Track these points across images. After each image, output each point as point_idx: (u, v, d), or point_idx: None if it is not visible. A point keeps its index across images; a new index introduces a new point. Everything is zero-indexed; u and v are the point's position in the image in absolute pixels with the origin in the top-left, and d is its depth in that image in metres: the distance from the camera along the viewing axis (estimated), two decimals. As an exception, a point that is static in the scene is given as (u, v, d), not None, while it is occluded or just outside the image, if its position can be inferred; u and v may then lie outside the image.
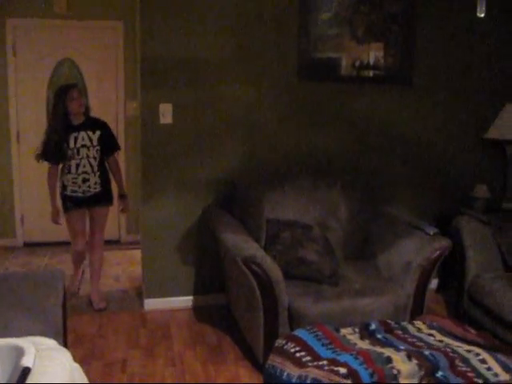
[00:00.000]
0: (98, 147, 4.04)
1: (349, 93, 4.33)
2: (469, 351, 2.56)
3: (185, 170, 4.10)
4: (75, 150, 3.98)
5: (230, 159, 4.15)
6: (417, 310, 3.49)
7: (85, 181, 4.04)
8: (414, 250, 3.51)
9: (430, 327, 2.85)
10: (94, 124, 4.07)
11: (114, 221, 5.65)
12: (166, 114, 4.00)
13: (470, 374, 2.39)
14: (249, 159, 4.19)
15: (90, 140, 4.01)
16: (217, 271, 4.13)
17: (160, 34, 3.92)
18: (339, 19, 4.20)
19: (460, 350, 2.56)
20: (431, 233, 3.58)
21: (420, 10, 4.34)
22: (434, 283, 4.62)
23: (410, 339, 2.71)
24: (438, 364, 2.41)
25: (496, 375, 2.40)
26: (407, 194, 4.57)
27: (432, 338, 2.73)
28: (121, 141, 5.64)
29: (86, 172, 4.03)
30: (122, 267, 5.19)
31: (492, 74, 4.60)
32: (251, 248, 3.21)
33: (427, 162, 4.59)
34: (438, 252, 3.46)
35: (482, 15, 1.98)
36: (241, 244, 3.26)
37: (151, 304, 4.19)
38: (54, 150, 3.95)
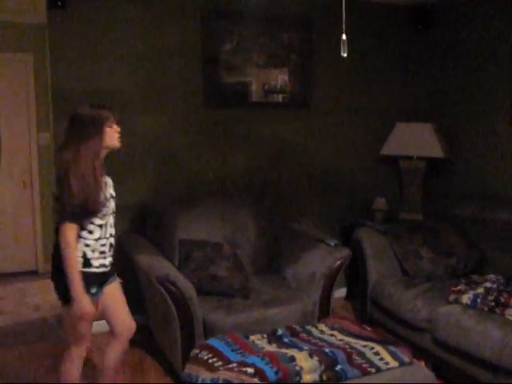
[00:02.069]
0: None
1: (256, 116, 4.63)
2: (365, 346, 2.86)
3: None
4: (106, 203, 2.81)
5: (143, 185, 4.33)
6: (323, 315, 3.76)
7: (111, 248, 2.88)
8: (318, 261, 3.80)
9: (332, 328, 3.13)
10: None
11: (31, 250, 5.67)
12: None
13: (365, 365, 2.69)
14: (162, 184, 4.38)
15: (114, 188, 2.97)
16: (136, 293, 4.26)
17: (70, 65, 4.05)
18: (242, 49, 4.50)
19: (357, 346, 2.85)
20: (333, 244, 3.88)
21: (316, 38, 4.73)
22: (342, 291, 4.96)
23: (313, 340, 2.97)
24: (337, 359, 2.68)
25: (387, 364, 2.72)
26: (313, 209, 4.89)
27: (333, 338, 3.01)
28: (34, 170, 5.71)
29: (112, 235, 2.87)
30: (40, 296, 5.18)
31: (384, 96, 5.03)
32: (165, 267, 3.39)
33: (330, 178, 4.93)
34: (339, 261, 3.76)
35: (345, 55, 2.26)
36: (155, 264, 3.43)
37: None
38: (88, 203, 2.66)
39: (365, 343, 2.90)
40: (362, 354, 2.77)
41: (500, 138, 4.46)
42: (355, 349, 2.82)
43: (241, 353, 2.78)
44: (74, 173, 2.62)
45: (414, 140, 4.71)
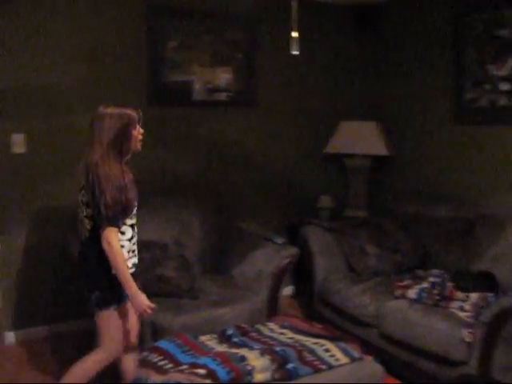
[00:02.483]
0: None
1: (200, 115, 4.57)
2: (315, 343, 2.87)
3: (42, 200, 4.09)
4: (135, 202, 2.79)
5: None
6: (271, 313, 3.75)
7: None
8: (266, 260, 3.80)
9: (282, 327, 3.13)
10: None
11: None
12: (18, 143, 3.98)
13: (316, 363, 2.70)
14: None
15: None
16: (78, 296, 4.15)
17: (10, 62, 3.89)
18: (186, 47, 4.44)
19: (307, 344, 2.86)
20: (280, 243, 3.89)
21: (260, 37, 4.72)
22: (289, 289, 4.98)
23: (263, 339, 2.96)
24: (288, 357, 2.68)
25: (338, 360, 2.74)
26: (259, 208, 4.88)
27: (283, 336, 3.01)
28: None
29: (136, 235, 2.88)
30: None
31: (330, 95, 5.08)
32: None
33: (276, 177, 4.94)
34: (286, 260, 3.76)
35: (296, 53, 2.25)
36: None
37: (10, 337, 4.11)
38: (123, 204, 2.65)
39: (315, 340, 2.91)
40: (312, 352, 2.78)
41: (442, 136, 4.57)
42: (306, 346, 2.82)
43: (191, 354, 2.75)
44: (106, 177, 2.59)
45: (358, 138, 4.76)
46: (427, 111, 4.68)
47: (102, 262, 2.65)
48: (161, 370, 2.63)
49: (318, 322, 3.49)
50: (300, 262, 4.12)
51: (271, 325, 3.17)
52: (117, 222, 2.62)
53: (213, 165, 4.67)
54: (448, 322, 3.16)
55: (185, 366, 2.59)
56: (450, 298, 3.40)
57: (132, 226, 2.77)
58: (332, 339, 2.92)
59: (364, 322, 3.68)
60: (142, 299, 2.65)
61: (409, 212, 4.37)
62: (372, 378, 2.77)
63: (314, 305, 4.23)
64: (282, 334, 3.05)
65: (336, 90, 5.12)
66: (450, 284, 3.54)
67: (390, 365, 3.50)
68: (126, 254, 2.70)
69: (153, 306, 2.67)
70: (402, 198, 4.59)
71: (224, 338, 2.99)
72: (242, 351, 2.73)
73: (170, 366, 2.65)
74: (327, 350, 2.79)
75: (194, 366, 2.57)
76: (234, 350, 2.76)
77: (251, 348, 2.80)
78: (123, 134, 2.70)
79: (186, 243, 4.14)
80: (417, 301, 3.46)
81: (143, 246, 3.73)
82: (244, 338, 2.98)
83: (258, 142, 4.84)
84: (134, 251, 2.80)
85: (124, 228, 2.71)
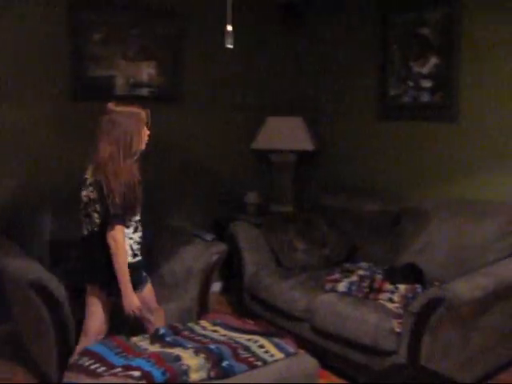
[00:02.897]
0: None
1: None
2: (249, 340, 2.85)
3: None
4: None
5: (6, 184, 4.03)
6: (202, 311, 3.72)
7: None
8: (194, 257, 3.75)
9: (214, 324, 3.09)
10: None
11: None
12: None
13: (251, 359, 2.67)
14: (27, 181, 4.11)
15: None
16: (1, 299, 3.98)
17: None
18: (111, 40, 4.32)
19: (241, 340, 2.84)
20: (209, 239, 3.85)
21: (187, 31, 4.65)
22: (217, 286, 4.94)
23: (196, 337, 2.91)
24: (223, 355, 2.65)
25: (273, 356, 2.73)
26: (186, 205, 4.82)
27: (216, 334, 2.97)
28: None
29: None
30: None
31: (258, 91, 5.07)
32: (36, 270, 3.17)
33: (203, 173, 4.89)
34: (216, 256, 3.73)
35: (230, 46, 2.23)
36: (24, 267, 3.21)
37: None
38: (131, 203, 2.77)
39: (249, 337, 2.89)
40: (247, 348, 2.75)
41: (367, 131, 4.66)
42: (240, 343, 2.80)
43: (124, 356, 2.66)
44: (115, 175, 2.67)
45: (285, 133, 4.78)
46: (353, 106, 4.77)
47: (106, 256, 2.76)
48: (93, 374, 2.53)
49: (249, 317, 3.48)
50: (228, 259, 4.10)
51: (203, 322, 3.13)
52: (123, 220, 2.74)
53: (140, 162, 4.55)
54: (377, 314, 3.23)
55: (118, 369, 2.50)
56: (380, 290, 3.47)
57: (137, 220, 2.91)
58: (265, 335, 2.90)
59: (295, 317, 3.69)
60: (133, 300, 2.81)
61: (335, 206, 4.43)
62: (307, 372, 2.78)
63: (244, 301, 4.22)
64: (214, 331, 3.01)
65: (264, 85, 5.12)
66: (378, 276, 3.61)
67: (322, 358, 3.55)
68: (135, 246, 2.90)
69: (140, 309, 2.87)
70: (329, 193, 4.66)
71: (156, 338, 2.91)
72: (176, 351, 2.67)
73: (103, 369, 2.55)
74: (261, 346, 2.78)
75: (128, 368, 2.49)
76: (167, 350, 2.70)
77: (185, 347, 2.74)
78: (135, 133, 2.79)
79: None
80: (347, 294, 3.52)
81: (69, 245, 3.61)
82: (177, 337, 2.92)
83: (183, 139, 4.76)
84: (140, 243, 2.94)
85: (131, 222, 2.85)
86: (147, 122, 2.86)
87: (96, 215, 2.80)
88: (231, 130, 5.00)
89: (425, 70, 4.19)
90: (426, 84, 4.19)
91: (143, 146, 2.89)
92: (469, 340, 3.18)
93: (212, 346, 2.71)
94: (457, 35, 3.94)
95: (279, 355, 2.74)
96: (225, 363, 2.61)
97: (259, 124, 4.93)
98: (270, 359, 2.70)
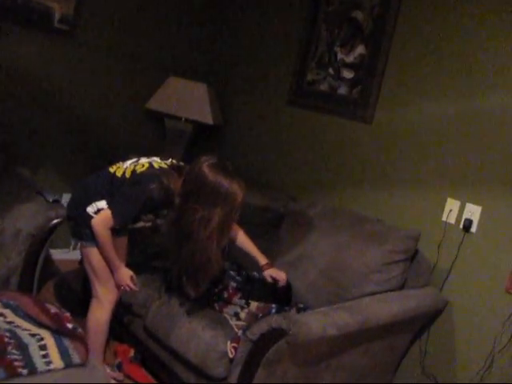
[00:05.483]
0: None
1: None
2: (34, 335, 2.23)
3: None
4: None
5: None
6: (24, 284, 3.08)
7: None
8: (27, 217, 3.10)
9: (5, 306, 2.44)
10: None
11: None
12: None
13: (16, 363, 2.04)
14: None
15: None
16: None
17: None
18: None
19: (23, 334, 2.21)
20: (50, 200, 3.20)
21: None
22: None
23: (-29, 320, 2.28)
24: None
25: (49, 363, 2.10)
26: (59, 158, 4.15)
27: (1, 319, 2.34)
28: None
29: None
30: None
31: (164, 45, 4.41)
32: None
33: (85, 124, 4.21)
34: (52, 221, 3.07)
35: None
36: None
37: None
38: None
39: (37, 331, 2.27)
40: (23, 347, 2.12)
41: (273, 116, 4.08)
42: (18, 338, 2.16)
43: None
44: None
45: (185, 99, 4.14)
46: (266, 85, 4.16)
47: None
48: None
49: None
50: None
51: (-6, 301, 2.49)
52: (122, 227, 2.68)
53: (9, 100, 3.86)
54: (214, 331, 2.65)
55: None
56: (228, 302, 2.89)
57: None
58: (57, 333, 2.29)
59: (132, 311, 3.10)
60: (124, 274, 2.69)
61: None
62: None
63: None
64: (1, 314, 2.38)
65: (172, 40, 4.45)
66: (233, 284, 3.02)
67: (152, 365, 3.01)
68: None
69: (133, 286, 2.70)
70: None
71: None
72: None
73: None
74: (43, 348, 2.15)
75: None
76: None
77: None
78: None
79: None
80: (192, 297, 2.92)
81: None
82: None
83: (71, 81, 4.08)
84: None
85: None
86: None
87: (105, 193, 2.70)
88: (128, 83, 4.32)
89: (349, 59, 3.62)
90: (348, 75, 3.62)
91: None
92: (317, 379, 2.65)
93: (-26, 337, 2.08)
94: (390, 22, 3.38)
95: (57, 363, 2.10)
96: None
97: (160, 83, 4.28)
98: (42, 367, 2.06)
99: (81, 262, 3.17)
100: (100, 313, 2.80)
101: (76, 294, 3.74)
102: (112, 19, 4.14)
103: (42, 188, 3.42)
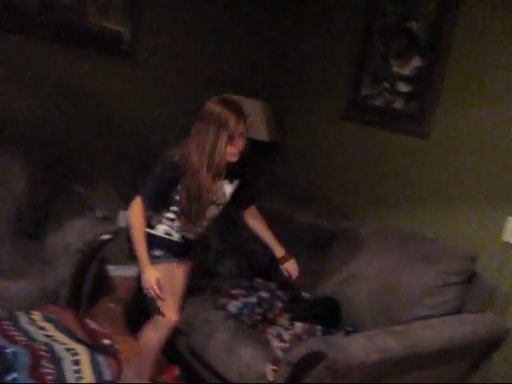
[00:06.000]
0: None
1: (50, 52, 3.80)
2: (69, 350, 2.22)
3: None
4: None
5: None
6: (73, 299, 3.11)
7: None
8: (78, 232, 3.14)
9: (46, 319, 2.46)
10: None
11: None
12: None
13: (48, 377, 2.04)
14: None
15: None
16: None
17: None
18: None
19: (60, 348, 2.21)
20: (99, 216, 3.23)
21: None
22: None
23: (12, 332, 2.29)
24: (15, 364, 2.03)
25: (80, 378, 2.09)
26: (110, 174, 4.20)
27: (41, 332, 2.35)
28: None
29: None
30: None
31: (219, 61, 4.41)
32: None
33: (138, 142, 4.24)
34: (102, 237, 3.09)
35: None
36: None
37: None
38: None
39: (73, 346, 2.26)
40: (56, 361, 2.13)
41: (327, 131, 3.98)
42: (54, 352, 2.17)
43: None
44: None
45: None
46: (321, 101, 4.06)
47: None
48: None
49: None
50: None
51: (35, 314, 2.49)
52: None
53: (63, 114, 3.93)
54: (255, 351, 2.57)
55: None
56: (272, 322, 2.81)
57: None
58: (92, 348, 2.27)
59: (177, 328, 3.05)
60: (151, 275, 2.58)
61: (269, 209, 3.74)
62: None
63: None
64: (41, 328, 2.38)
65: (227, 58, 4.44)
66: (278, 305, 2.92)
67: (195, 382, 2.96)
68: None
69: (157, 291, 2.58)
70: (265, 192, 3.95)
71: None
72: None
73: None
74: (76, 363, 2.14)
75: None
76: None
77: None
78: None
79: (2, 196, 3.44)
80: (235, 316, 2.84)
81: None
82: (-12, 327, 2.31)
83: (123, 98, 4.13)
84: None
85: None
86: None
87: None
88: (179, 100, 4.32)
89: (405, 72, 3.49)
90: (404, 88, 3.49)
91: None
92: (363, 406, 2.51)
93: (8, 350, 2.09)
94: (447, 29, 3.22)
95: (88, 379, 2.10)
96: (11, 376, 1.99)
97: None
98: (72, 382, 2.07)
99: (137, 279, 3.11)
100: (154, 335, 2.74)
101: (130, 312, 3.74)
102: (170, 38, 4.18)
103: (97, 204, 3.46)
